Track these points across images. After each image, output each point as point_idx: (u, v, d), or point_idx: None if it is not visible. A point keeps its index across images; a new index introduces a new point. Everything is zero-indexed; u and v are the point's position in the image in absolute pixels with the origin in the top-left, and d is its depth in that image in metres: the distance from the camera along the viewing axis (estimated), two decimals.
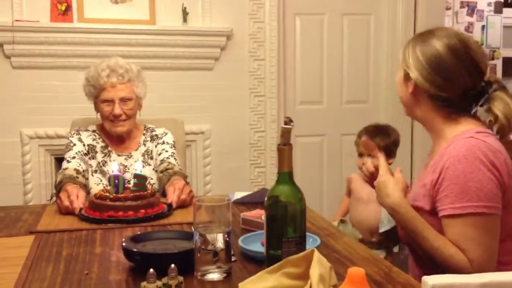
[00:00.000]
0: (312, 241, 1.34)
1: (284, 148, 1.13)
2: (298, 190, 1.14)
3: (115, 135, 2.15)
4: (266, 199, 1.15)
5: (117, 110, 2.08)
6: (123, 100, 2.09)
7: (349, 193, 2.65)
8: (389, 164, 2.51)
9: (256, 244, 1.34)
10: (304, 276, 1.00)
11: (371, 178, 1.53)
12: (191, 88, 3.20)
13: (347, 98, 3.63)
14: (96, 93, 2.11)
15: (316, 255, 1.00)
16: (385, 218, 2.32)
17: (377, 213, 2.35)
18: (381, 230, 2.33)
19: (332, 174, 3.57)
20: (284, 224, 1.12)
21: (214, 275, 1.17)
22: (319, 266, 0.97)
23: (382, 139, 2.44)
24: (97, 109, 2.15)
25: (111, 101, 2.08)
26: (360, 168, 2.51)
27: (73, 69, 2.98)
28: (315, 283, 0.93)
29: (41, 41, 2.91)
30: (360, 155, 2.49)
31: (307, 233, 1.29)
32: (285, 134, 1.13)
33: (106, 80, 2.07)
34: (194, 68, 3.19)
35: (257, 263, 1.23)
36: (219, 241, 1.17)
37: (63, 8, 2.95)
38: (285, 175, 1.14)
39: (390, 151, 2.44)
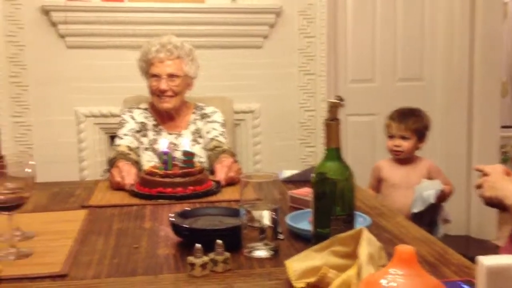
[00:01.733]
0: (362, 221, 1.31)
1: (331, 123, 1.09)
2: (346, 166, 1.10)
3: (162, 111, 2.16)
4: (313, 176, 1.12)
5: (163, 85, 2.09)
6: (170, 76, 2.10)
7: (376, 184, 2.48)
8: (418, 148, 2.41)
9: (303, 222, 1.32)
10: (353, 255, 0.97)
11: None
12: (240, 67, 3.17)
13: (400, 75, 3.51)
14: (146, 68, 2.15)
15: (365, 234, 0.96)
16: (419, 199, 2.21)
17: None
18: (415, 210, 2.21)
19: (384, 155, 3.46)
20: (331, 202, 1.09)
21: (261, 252, 1.16)
22: (368, 245, 0.93)
23: (414, 122, 2.39)
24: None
25: (158, 76, 2.10)
26: (391, 150, 2.43)
27: (124, 49, 3.02)
28: (364, 263, 0.90)
29: (92, 20, 2.96)
30: (391, 137, 2.42)
31: (358, 213, 1.25)
32: (332, 109, 1.09)
33: (154, 55, 2.10)
34: (243, 46, 3.16)
35: (304, 241, 1.21)
36: (266, 218, 1.16)
37: None
38: (333, 151, 1.10)
39: (422, 135, 2.40)
